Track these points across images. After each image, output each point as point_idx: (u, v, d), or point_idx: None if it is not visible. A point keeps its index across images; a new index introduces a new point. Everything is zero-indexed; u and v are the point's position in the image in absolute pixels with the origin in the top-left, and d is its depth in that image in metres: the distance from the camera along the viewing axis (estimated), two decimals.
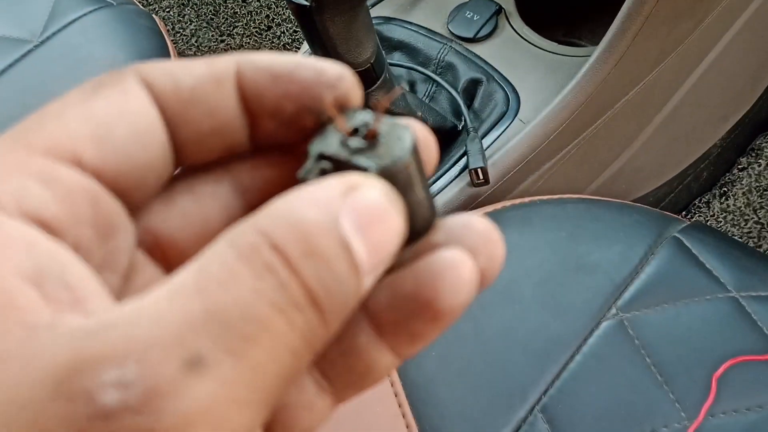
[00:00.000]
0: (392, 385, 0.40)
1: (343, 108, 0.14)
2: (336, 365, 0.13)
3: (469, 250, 0.13)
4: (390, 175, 0.12)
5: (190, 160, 0.14)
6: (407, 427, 0.39)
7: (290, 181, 0.14)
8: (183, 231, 0.14)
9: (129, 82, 0.13)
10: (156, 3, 0.92)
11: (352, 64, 0.46)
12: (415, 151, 0.13)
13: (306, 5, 0.41)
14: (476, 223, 0.13)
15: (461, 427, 0.39)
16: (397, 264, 0.13)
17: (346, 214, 0.11)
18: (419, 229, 0.13)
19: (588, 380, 0.40)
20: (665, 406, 0.39)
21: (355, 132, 0.13)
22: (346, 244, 0.11)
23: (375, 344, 0.13)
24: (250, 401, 0.10)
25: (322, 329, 0.11)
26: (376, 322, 0.13)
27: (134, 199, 0.13)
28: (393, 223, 0.12)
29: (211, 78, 0.13)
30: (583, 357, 0.41)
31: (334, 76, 0.13)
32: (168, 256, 0.14)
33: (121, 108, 0.13)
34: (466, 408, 0.39)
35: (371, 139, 0.13)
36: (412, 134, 0.13)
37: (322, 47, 0.45)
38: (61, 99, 0.13)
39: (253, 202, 0.15)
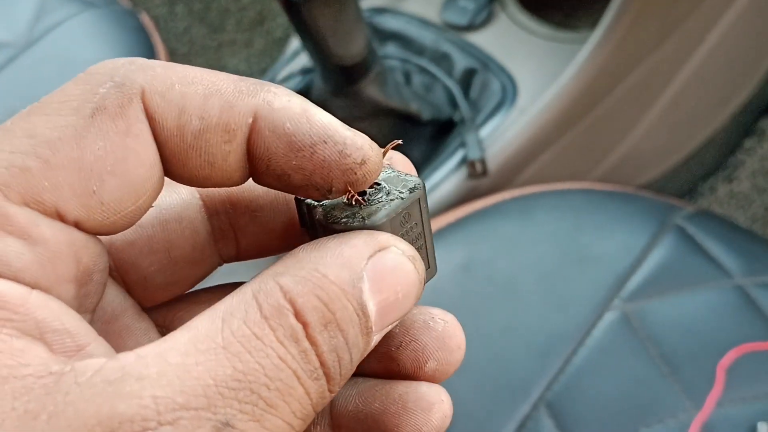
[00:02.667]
0: None
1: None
2: None
3: (423, 352, 0.13)
4: (403, 212, 0.13)
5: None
6: None
7: (262, 201, 0.14)
8: (147, 257, 0.14)
9: (131, 118, 0.12)
10: (147, 1, 0.92)
11: (342, 57, 0.45)
12: (424, 187, 0.13)
13: (294, 0, 0.41)
14: (438, 324, 0.14)
15: (464, 424, 0.38)
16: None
17: (369, 275, 0.12)
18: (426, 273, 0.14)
19: (592, 373, 0.39)
20: (671, 397, 0.38)
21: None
22: (363, 308, 0.12)
23: (338, 386, 0.13)
24: None
25: (328, 395, 0.12)
26: (335, 422, 0.14)
27: (117, 231, 0.13)
28: (414, 290, 0.12)
29: (221, 129, 0.12)
30: (587, 350, 0.40)
31: (357, 161, 0.12)
32: (130, 280, 0.14)
33: (118, 155, 0.12)
34: (468, 405, 0.39)
35: (375, 186, 0.13)
36: (419, 182, 0.13)
37: (312, 41, 0.44)
38: (53, 117, 0.12)
39: (223, 226, 0.14)
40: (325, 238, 0.12)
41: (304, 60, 0.58)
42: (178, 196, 0.14)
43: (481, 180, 0.52)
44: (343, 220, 0.13)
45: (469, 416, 0.39)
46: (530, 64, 0.56)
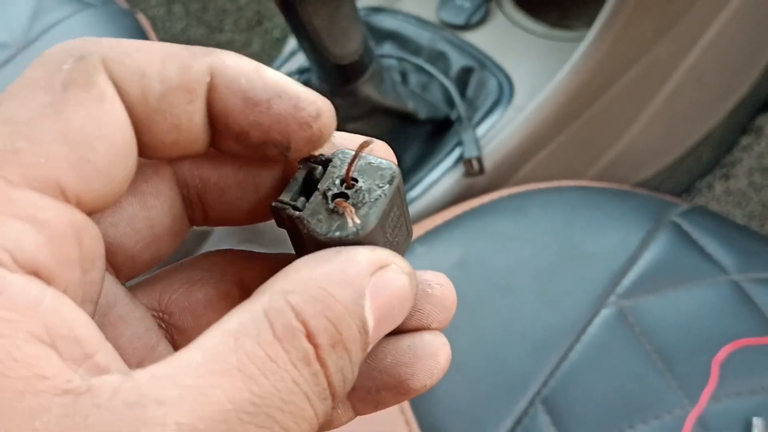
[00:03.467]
0: None
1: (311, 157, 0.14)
2: None
3: (427, 318, 0.14)
4: (390, 202, 0.13)
5: (146, 157, 0.13)
6: (407, 423, 0.39)
7: (230, 180, 0.14)
8: (131, 236, 0.14)
9: (101, 85, 0.12)
10: (144, 2, 0.92)
11: (339, 56, 0.45)
12: (399, 171, 0.13)
13: None
14: (436, 289, 0.14)
15: (461, 421, 0.39)
16: None
17: (370, 292, 0.12)
18: (404, 241, 0.14)
19: (588, 370, 0.39)
20: (667, 393, 0.38)
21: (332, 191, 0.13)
22: (364, 325, 0.12)
23: (341, 403, 0.14)
24: None
25: (330, 413, 0.12)
26: None
27: (105, 209, 0.13)
28: (408, 304, 0.13)
29: (182, 89, 0.12)
30: (583, 346, 0.40)
31: (312, 114, 0.13)
32: (116, 261, 0.14)
33: (99, 121, 0.12)
34: (465, 402, 0.39)
35: (348, 183, 0.13)
36: (381, 159, 0.13)
37: (308, 40, 0.44)
38: (25, 100, 0.11)
39: (192, 198, 0.15)
40: (326, 251, 0.12)
41: (301, 59, 0.58)
42: (152, 171, 0.14)
43: (477, 178, 0.52)
44: (336, 233, 0.13)
45: (465, 413, 0.39)
46: (527, 62, 0.56)
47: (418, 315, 0.14)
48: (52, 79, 0.12)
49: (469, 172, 0.51)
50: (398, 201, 0.14)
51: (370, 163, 0.13)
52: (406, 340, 0.14)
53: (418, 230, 0.44)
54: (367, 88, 0.48)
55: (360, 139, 0.14)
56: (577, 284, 0.41)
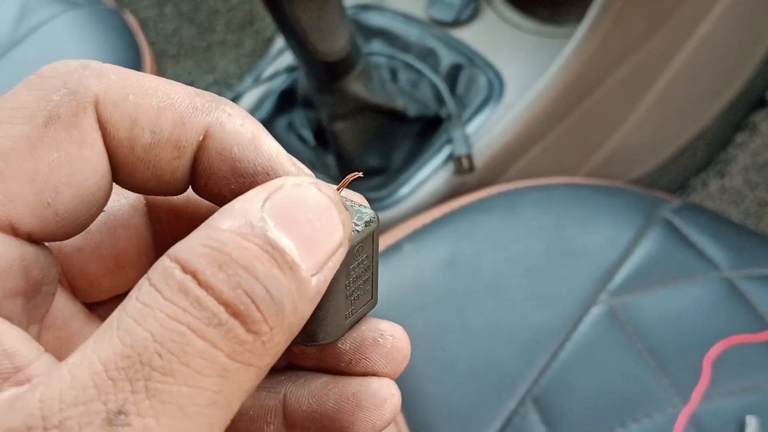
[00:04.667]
0: None
1: None
2: None
3: (373, 369, 0.13)
4: (357, 242, 0.12)
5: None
6: (395, 423, 0.38)
7: (205, 217, 0.14)
8: (94, 263, 0.14)
9: (84, 128, 0.12)
10: (136, 3, 0.91)
11: (326, 54, 0.45)
12: (378, 222, 0.13)
13: None
14: (387, 341, 0.14)
15: (451, 421, 0.38)
16: (335, 354, 0.14)
17: (270, 213, 0.11)
18: (366, 304, 0.14)
19: (579, 368, 0.39)
20: (659, 391, 0.38)
21: None
22: (272, 243, 0.10)
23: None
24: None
25: (255, 340, 0.10)
26: (289, 421, 0.13)
27: (68, 238, 0.13)
28: (330, 214, 0.11)
29: (171, 145, 0.12)
30: (574, 345, 0.39)
31: None
32: (78, 286, 0.14)
33: (70, 167, 0.12)
34: (455, 402, 0.38)
35: None
36: (369, 208, 0.13)
37: (295, 38, 0.44)
38: (4, 127, 0.11)
39: (164, 232, 0.14)
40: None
41: (290, 58, 0.58)
42: (126, 201, 0.14)
43: (468, 176, 0.52)
44: None
45: (455, 412, 0.38)
46: (517, 59, 0.55)
47: (365, 362, 0.13)
48: (38, 108, 0.11)
49: (459, 170, 0.50)
50: (370, 248, 0.13)
51: (352, 205, 0.13)
52: (352, 386, 0.13)
53: (406, 228, 0.44)
54: (355, 86, 0.48)
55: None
56: (567, 282, 0.41)
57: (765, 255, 0.42)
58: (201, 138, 0.12)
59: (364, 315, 0.14)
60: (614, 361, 0.38)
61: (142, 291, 0.10)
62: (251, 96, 0.58)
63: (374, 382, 0.13)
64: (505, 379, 0.38)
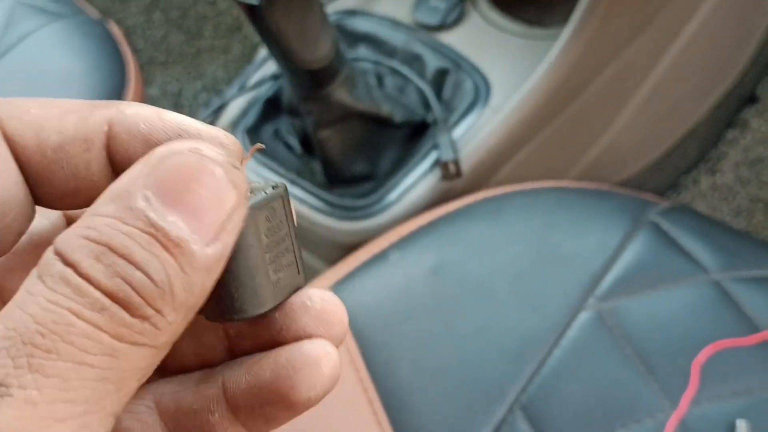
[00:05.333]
0: (366, 392, 0.39)
1: None
2: None
3: (304, 332, 0.13)
4: (264, 209, 0.12)
5: (51, 207, 0.14)
6: None
7: None
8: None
9: None
10: (123, 10, 0.91)
11: (309, 61, 0.45)
12: (287, 191, 0.13)
13: (255, 4, 0.40)
14: (316, 303, 0.14)
15: (439, 429, 0.38)
16: (269, 329, 0.13)
17: (153, 190, 0.11)
18: (291, 284, 0.13)
19: (568, 375, 0.38)
20: (648, 397, 0.37)
21: None
22: (153, 224, 0.11)
23: (230, 423, 0.13)
24: (71, 413, 0.10)
25: (143, 323, 0.11)
26: (232, 404, 0.13)
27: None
28: (212, 176, 0.11)
29: (78, 139, 0.13)
30: (562, 351, 0.39)
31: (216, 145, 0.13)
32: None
33: None
34: (443, 411, 0.38)
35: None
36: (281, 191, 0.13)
37: (277, 45, 0.44)
38: None
39: None
40: None
41: (274, 65, 0.58)
42: (48, 222, 0.14)
43: (455, 182, 0.51)
44: None
45: (443, 421, 0.38)
46: (503, 62, 0.55)
47: (295, 327, 0.13)
48: None
49: (446, 176, 0.50)
50: (282, 217, 0.13)
51: (263, 184, 0.13)
52: (284, 353, 0.13)
53: (392, 236, 0.44)
54: (340, 93, 0.48)
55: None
56: (554, 288, 0.41)
57: (754, 257, 0.42)
58: (106, 128, 0.13)
59: (292, 292, 0.14)
60: (603, 367, 0.38)
61: (28, 282, 0.11)
62: (237, 104, 0.58)
63: (306, 344, 0.13)
64: (494, 386, 0.38)
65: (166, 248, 0.11)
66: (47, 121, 0.12)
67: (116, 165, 0.13)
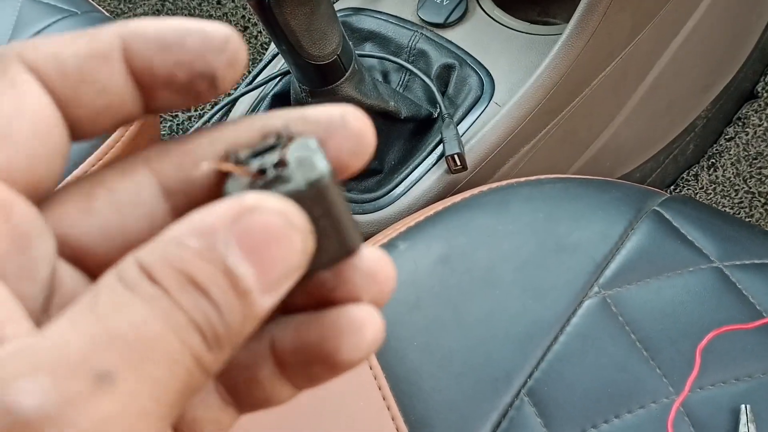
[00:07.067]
0: (375, 378, 0.40)
1: (250, 145, 0.14)
2: (239, 390, 0.14)
3: (356, 291, 0.14)
4: (301, 199, 0.13)
5: (87, 136, 0.14)
6: (393, 419, 0.39)
7: (215, 187, 0.14)
8: (103, 244, 0.14)
9: (16, 71, 0.13)
10: (131, 10, 0.92)
11: (317, 57, 0.46)
12: (330, 176, 0.13)
13: (264, 0, 0.41)
14: (364, 261, 0.14)
15: (447, 415, 0.39)
16: (320, 287, 0.14)
17: (235, 239, 0.12)
18: (338, 252, 0.14)
19: (573, 361, 0.39)
20: (652, 382, 0.38)
21: (262, 172, 0.13)
22: (228, 272, 0.12)
23: (276, 379, 0.14)
24: (154, 412, 0.11)
25: (210, 355, 0.12)
26: (279, 361, 0.14)
27: (40, 193, 0.13)
28: (290, 242, 0.12)
29: (95, 56, 0.13)
30: (567, 337, 0.40)
31: (221, 39, 0.13)
32: (89, 267, 0.14)
33: (17, 104, 0.13)
34: (451, 396, 0.39)
35: (282, 167, 0.13)
36: (325, 160, 0.13)
37: (285, 41, 0.44)
38: None
39: (178, 205, 0.14)
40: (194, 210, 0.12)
41: (284, 62, 0.59)
42: (131, 180, 0.14)
43: (460, 175, 0.52)
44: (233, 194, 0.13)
45: (452, 407, 0.39)
46: (507, 58, 0.56)
47: (345, 287, 0.14)
48: None
49: (451, 169, 0.51)
50: (324, 210, 0.13)
51: (310, 156, 0.13)
52: (331, 315, 0.14)
53: (400, 227, 0.44)
54: (348, 89, 0.49)
55: (325, 115, 0.14)
56: (560, 276, 0.41)
57: (755, 244, 0.43)
58: (118, 41, 0.13)
59: (339, 261, 0.14)
60: (608, 353, 0.39)
61: (115, 287, 0.11)
62: (246, 100, 0.58)
63: (352, 308, 0.14)
64: (501, 373, 0.39)
65: (236, 294, 0.12)
66: (61, 47, 0.13)
67: (139, 74, 0.13)
